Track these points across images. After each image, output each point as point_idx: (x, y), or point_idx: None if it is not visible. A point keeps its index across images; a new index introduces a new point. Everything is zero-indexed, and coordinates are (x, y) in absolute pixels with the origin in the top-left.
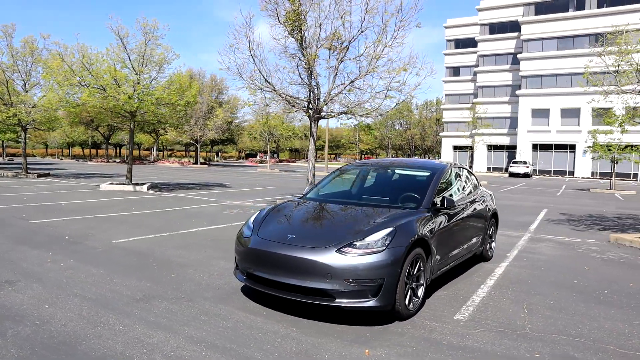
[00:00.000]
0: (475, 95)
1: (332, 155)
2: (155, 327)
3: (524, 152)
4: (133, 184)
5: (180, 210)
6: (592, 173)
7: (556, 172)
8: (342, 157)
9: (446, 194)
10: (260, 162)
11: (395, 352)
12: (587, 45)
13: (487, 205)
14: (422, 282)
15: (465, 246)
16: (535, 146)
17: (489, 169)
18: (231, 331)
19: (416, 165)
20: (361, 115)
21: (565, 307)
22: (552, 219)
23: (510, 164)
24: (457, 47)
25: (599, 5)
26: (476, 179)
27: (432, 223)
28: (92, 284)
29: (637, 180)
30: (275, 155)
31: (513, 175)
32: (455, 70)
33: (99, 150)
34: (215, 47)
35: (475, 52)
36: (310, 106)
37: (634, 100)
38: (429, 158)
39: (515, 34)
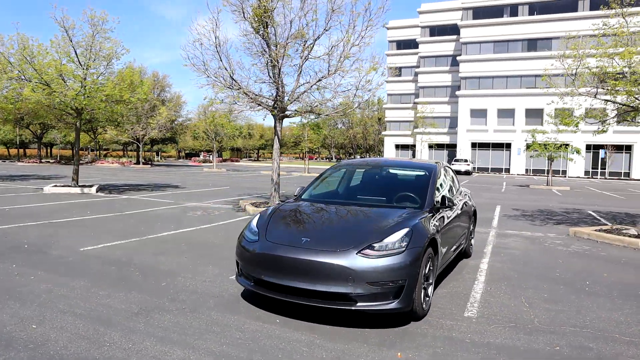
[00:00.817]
0: (417, 95)
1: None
2: (169, 342)
3: (463, 150)
4: (80, 186)
5: (140, 214)
6: (526, 170)
7: (493, 170)
8: (285, 156)
9: (444, 193)
10: (204, 162)
11: (427, 354)
12: (520, 49)
13: (470, 203)
14: (431, 281)
15: (458, 244)
16: (474, 145)
17: None
18: (252, 342)
19: (408, 165)
20: (327, 115)
21: (559, 299)
22: (509, 215)
23: (452, 162)
24: (398, 48)
25: (530, 13)
26: (456, 177)
27: (437, 222)
28: (77, 298)
29: (565, 177)
30: (217, 155)
31: (455, 172)
32: (399, 73)
33: (27, 150)
34: (154, 43)
35: (416, 54)
36: (276, 105)
37: (590, 102)
38: (370, 156)
39: (455, 36)
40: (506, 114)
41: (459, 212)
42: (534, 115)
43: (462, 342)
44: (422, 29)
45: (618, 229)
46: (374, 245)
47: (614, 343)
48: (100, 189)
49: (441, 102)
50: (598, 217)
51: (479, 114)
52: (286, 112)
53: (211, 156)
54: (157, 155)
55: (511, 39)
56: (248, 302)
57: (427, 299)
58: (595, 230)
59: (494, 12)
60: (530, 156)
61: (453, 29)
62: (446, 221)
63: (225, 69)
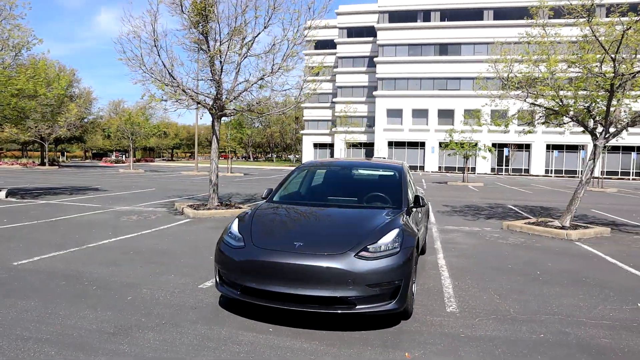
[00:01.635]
0: (335, 95)
1: (187, 154)
2: None
3: (381, 149)
4: None
5: (68, 220)
6: (439, 167)
7: (409, 167)
8: (199, 155)
9: (416, 193)
10: (116, 162)
11: (431, 352)
12: (433, 53)
13: (426, 201)
14: (414, 279)
15: (424, 241)
16: (390, 143)
17: None
18: (255, 355)
19: (376, 166)
20: (268, 114)
21: (522, 289)
22: (442, 211)
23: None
24: (316, 47)
25: (442, 19)
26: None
27: (414, 220)
28: (35, 322)
29: (475, 173)
30: (124, 155)
31: None
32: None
33: None
34: (48, 34)
35: (334, 54)
36: (215, 104)
37: (521, 105)
38: (288, 155)
39: (371, 38)
40: (420, 114)
41: (421, 210)
42: (445, 115)
43: (458, 337)
44: (340, 30)
45: (544, 222)
46: (369, 247)
47: (585, 327)
48: (10, 193)
49: (358, 102)
50: (519, 211)
51: (395, 113)
52: (225, 111)
53: (124, 156)
54: (62, 155)
55: (424, 42)
56: (230, 311)
57: (413, 297)
58: (525, 224)
59: (409, 16)
60: (448, 154)
61: (370, 31)
62: (417, 219)
63: (164, 64)
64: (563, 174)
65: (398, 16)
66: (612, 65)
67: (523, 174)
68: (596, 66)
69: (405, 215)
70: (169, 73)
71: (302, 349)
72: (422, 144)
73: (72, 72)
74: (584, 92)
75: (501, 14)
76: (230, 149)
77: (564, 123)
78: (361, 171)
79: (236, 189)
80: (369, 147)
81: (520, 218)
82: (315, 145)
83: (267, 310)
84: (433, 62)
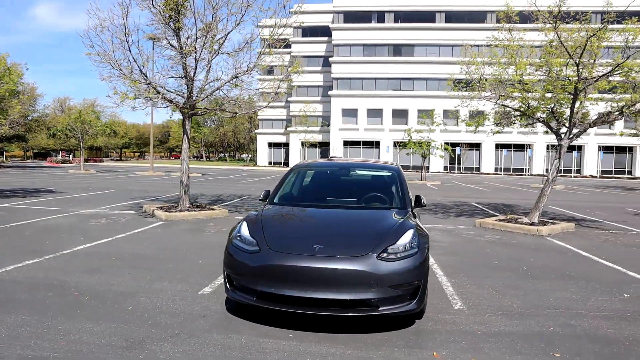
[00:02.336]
0: (290, 94)
1: (137, 154)
2: None
3: (336, 148)
4: None
5: (30, 225)
6: None
7: None
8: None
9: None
10: (62, 163)
11: (457, 350)
12: (387, 53)
13: None
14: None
15: None
16: (346, 143)
17: None
18: None
19: (372, 166)
20: (238, 113)
21: (516, 285)
22: None
23: (328, 159)
24: (269, 46)
25: (395, 20)
26: None
27: (418, 220)
28: (35, 338)
29: (429, 172)
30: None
31: None
32: (269, 70)
33: None
34: None
35: (289, 53)
36: (187, 103)
37: (492, 106)
38: (241, 154)
39: (327, 38)
40: (375, 113)
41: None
42: (399, 115)
43: (475, 334)
44: (295, 29)
45: (513, 219)
46: (388, 248)
47: (586, 319)
48: None
49: (314, 102)
50: (484, 209)
51: (350, 113)
52: (196, 110)
53: (71, 156)
54: (1, 155)
55: (379, 43)
56: (241, 318)
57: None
58: (496, 221)
59: (363, 17)
60: (407, 153)
61: (325, 31)
62: (420, 219)
63: (135, 60)
64: (511, 172)
65: (353, 16)
66: (576, 70)
67: (474, 172)
68: (561, 70)
69: (412, 215)
70: (140, 70)
71: (331, 353)
72: (377, 144)
73: (13, 66)
74: (550, 95)
75: (452, 17)
76: (178, 149)
77: (531, 124)
78: (360, 172)
79: (199, 190)
80: (324, 146)
81: (487, 215)
82: (270, 145)
83: (278, 315)
84: (387, 62)
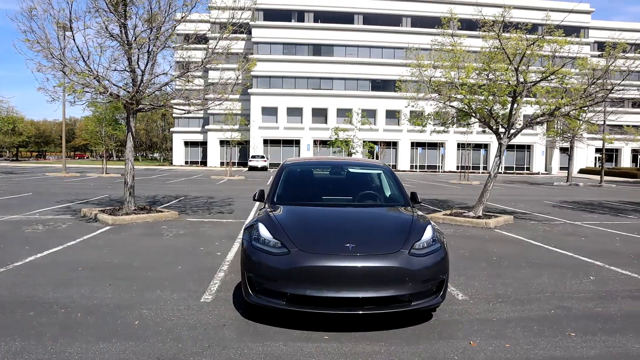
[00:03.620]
0: (207, 91)
1: (35, 154)
2: None
3: (257, 147)
4: None
5: None
6: None
7: None
8: (52, 154)
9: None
10: None
11: (487, 336)
12: (306, 53)
13: None
14: None
15: None
16: (266, 141)
17: (222, 163)
18: None
19: (363, 164)
20: (186, 112)
21: (498, 274)
22: None
23: (250, 159)
24: (186, 42)
25: (315, 20)
26: None
27: None
28: None
29: None
30: None
31: (253, 169)
32: (185, 65)
33: None
34: None
35: (205, 49)
36: (134, 98)
37: (435, 106)
38: (153, 154)
39: (246, 35)
40: (295, 112)
41: None
42: (319, 114)
43: (493, 322)
44: (212, 24)
45: (459, 213)
46: (415, 244)
47: (574, 300)
48: None
49: (233, 99)
50: (424, 204)
51: (270, 111)
52: (140, 106)
53: None
54: None
55: (299, 42)
56: (264, 323)
57: None
58: (444, 215)
59: (284, 15)
60: (334, 152)
61: (244, 28)
62: None
63: (79, 50)
64: (426, 169)
65: (273, 14)
66: (515, 75)
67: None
68: (502, 74)
69: (417, 211)
70: (84, 61)
71: (376, 351)
72: (297, 142)
73: None
74: (492, 97)
75: (370, 19)
76: (104, 147)
77: (472, 123)
78: (354, 170)
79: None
80: (242, 145)
81: (429, 211)
82: (187, 144)
83: (297, 317)
84: (307, 61)
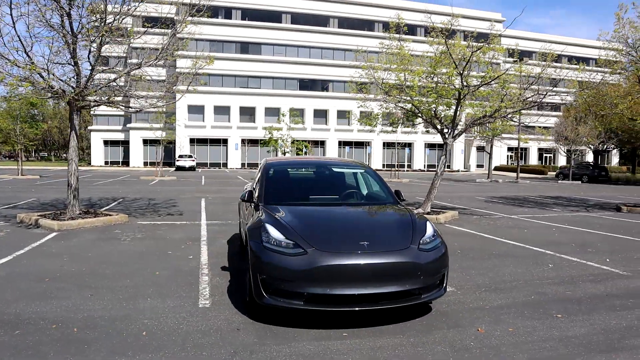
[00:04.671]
0: (129, 88)
1: None
2: None
3: (183, 146)
4: None
5: None
6: (242, 164)
7: (212, 165)
8: None
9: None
10: None
11: (489, 322)
12: (234, 50)
13: None
14: None
15: None
16: (192, 140)
17: (146, 163)
18: (390, 358)
19: (344, 164)
20: (129, 107)
21: (469, 265)
22: None
23: (177, 158)
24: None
25: (243, 18)
26: None
27: None
28: None
29: None
30: None
31: (180, 169)
32: (104, 60)
33: None
34: None
35: (129, 44)
36: (79, 94)
37: (386, 106)
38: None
39: (169, 30)
40: (222, 111)
41: None
42: (247, 113)
43: (487, 309)
44: (135, 18)
45: None
46: (421, 240)
47: (546, 286)
48: None
49: (157, 97)
50: None
51: (196, 110)
52: (86, 102)
53: None
54: None
55: (226, 39)
56: (280, 325)
57: None
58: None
59: (210, 11)
60: (267, 151)
61: (169, 22)
62: None
63: (20, 40)
64: None
65: (199, 10)
66: (460, 79)
67: None
68: (448, 78)
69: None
70: (25, 51)
71: (400, 344)
72: (225, 141)
73: None
74: (439, 99)
75: (298, 18)
76: (21, 147)
77: (418, 124)
78: (338, 169)
79: (58, 194)
80: (167, 144)
81: None
82: (107, 143)
83: (306, 316)
84: (234, 59)
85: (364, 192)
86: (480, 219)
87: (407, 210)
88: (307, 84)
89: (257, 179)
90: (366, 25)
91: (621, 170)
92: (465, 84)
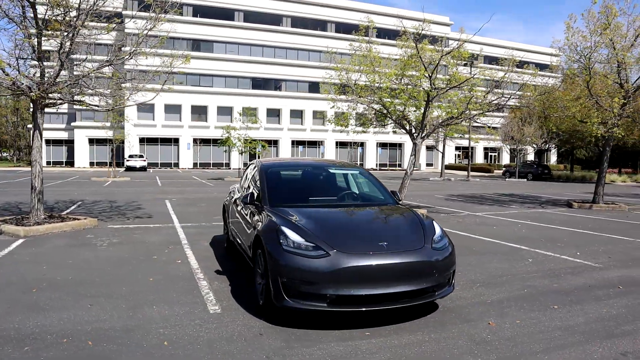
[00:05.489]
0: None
1: None
2: None
3: (133, 145)
4: None
5: None
6: (195, 164)
7: (163, 164)
8: None
9: None
10: None
11: (496, 316)
12: (185, 47)
13: None
14: None
15: None
16: (142, 140)
17: (92, 163)
18: (396, 356)
19: (339, 165)
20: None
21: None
22: None
23: (127, 158)
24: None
25: (194, 14)
26: None
27: None
28: None
29: (230, 168)
30: None
31: (131, 169)
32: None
33: None
34: None
35: (71, 40)
36: (46, 90)
37: (354, 107)
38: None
39: (115, 25)
40: (173, 109)
41: None
42: (199, 112)
43: (487, 304)
44: (78, 10)
45: None
46: (432, 239)
47: (533, 280)
48: None
49: (105, 95)
50: None
51: (146, 108)
52: (50, 101)
53: None
54: None
55: (177, 36)
56: (301, 327)
57: None
58: None
59: (160, 8)
60: (225, 151)
61: (118, 17)
62: None
63: None
64: None
65: (148, 5)
66: (429, 82)
67: None
68: (417, 80)
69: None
70: None
71: (424, 340)
72: (176, 140)
73: None
74: (410, 101)
75: (250, 16)
76: None
77: (388, 124)
78: (333, 170)
79: (8, 197)
80: (116, 143)
81: None
82: (48, 142)
83: (323, 316)
84: (176, 57)
85: (364, 193)
86: (448, 216)
87: (411, 211)
88: (260, 83)
89: (251, 181)
90: (319, 25)
91: (559, 168)
92: (434, 86)
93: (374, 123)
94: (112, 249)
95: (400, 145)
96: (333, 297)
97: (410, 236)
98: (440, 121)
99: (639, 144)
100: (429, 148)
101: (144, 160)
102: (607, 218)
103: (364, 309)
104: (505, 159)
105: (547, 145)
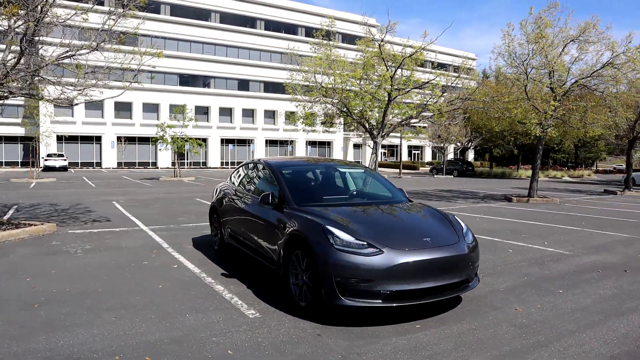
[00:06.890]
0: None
1: None
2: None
3: (50, 144)
4: None
5: None
6: (119, 163)
7: (84, 164)
8: None
9: None
10: None
11: (517, 302)
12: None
13: None
14: None
15: None
16: (60, 138)
17: (1, 163)
18: (456, 346)
19: (347, 165)
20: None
21: None
22: None
23: (46, 157)
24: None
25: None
26: None
27: None
28: None
29: (157, 167)
30: None
31: (50, 169)
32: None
33: None
34: None
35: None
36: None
37: (324, 108)
38: None
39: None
40: (95, 105)
41: None
42: (123, 108)
43: (501, 292)
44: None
45: None
46: (462, 234)
47: (527, 268)
48: None
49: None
50: None
51: (63, 105)
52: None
53: None
54: None
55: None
56: (350, 326)
57: None
58: None
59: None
60: (159, 149)
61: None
62: None
63: None
64: (235, 165)
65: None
66: (391, 83)
67: (202, 167)
68: (380, 81)
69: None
70: None
71: (471, 329)
72: (99, 138)
73: None
74: (372, 102)
75: (177, 10)
76: None
77: (349, 123)
78: (345, 170)
79: None
80: (27, 141)
81: None
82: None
83: (366, 313)
84: (117, 51)
85: (380, 192)
86: None
87: (429, 207)
88: (187, 80)
89: (256, 180)
90: (248, 22)
91: (477, 165)
92: (395, 86)
93: (333, 122)
94: (91, 256)
95: (328, 143)
96: (387, 293)
97: (445, 231)
98: (399, 120)
99: (549, 142)
100: (356, 146)
101: (65, 160)
102: (546, 210)
103: (414, 303)
104: (428, 156)
105: (470, 144)
